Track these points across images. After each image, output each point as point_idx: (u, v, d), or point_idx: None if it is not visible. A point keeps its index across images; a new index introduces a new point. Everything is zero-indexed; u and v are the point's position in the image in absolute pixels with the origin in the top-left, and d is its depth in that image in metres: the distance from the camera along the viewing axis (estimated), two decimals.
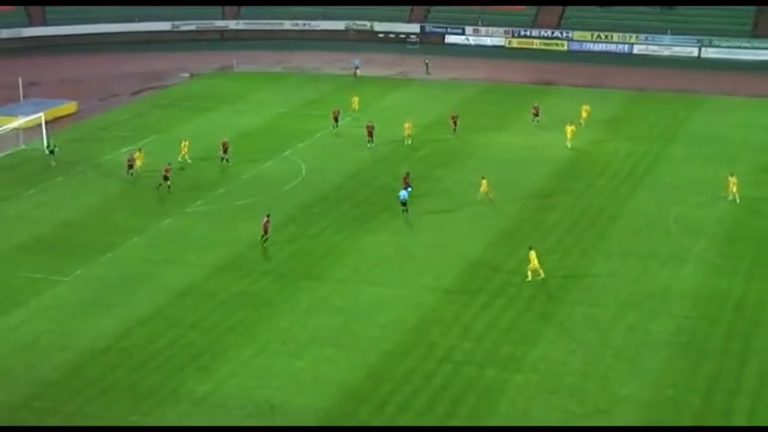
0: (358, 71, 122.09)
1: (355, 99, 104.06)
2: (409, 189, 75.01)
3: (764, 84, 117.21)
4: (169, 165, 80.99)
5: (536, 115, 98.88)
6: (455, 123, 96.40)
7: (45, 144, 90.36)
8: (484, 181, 76.59)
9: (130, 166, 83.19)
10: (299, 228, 72.48)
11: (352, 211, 75.95)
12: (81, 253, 68.75)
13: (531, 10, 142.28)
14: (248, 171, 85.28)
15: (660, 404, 49.82)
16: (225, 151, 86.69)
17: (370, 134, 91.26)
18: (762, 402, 49.89)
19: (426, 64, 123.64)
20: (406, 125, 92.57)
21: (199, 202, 78.06)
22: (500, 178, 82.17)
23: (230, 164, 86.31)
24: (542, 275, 62.77)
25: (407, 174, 78.49)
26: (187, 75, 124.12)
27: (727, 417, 48.73)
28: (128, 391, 51.50)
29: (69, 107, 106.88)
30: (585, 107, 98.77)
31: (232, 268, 66.23)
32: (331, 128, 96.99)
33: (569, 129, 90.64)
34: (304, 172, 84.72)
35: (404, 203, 73.70)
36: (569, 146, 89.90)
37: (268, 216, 69.08)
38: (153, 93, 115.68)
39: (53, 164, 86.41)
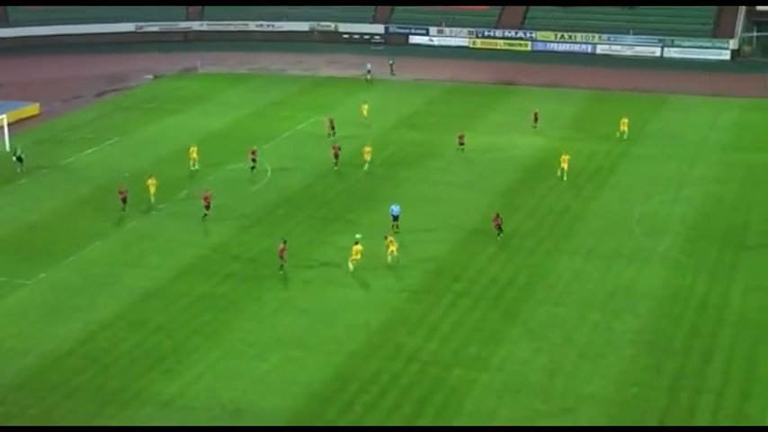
0: (369, 75, 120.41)
1: (365, 106, 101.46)
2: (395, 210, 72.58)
3: (726, 83, 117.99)
4: (208, 191, 75.48)
5: (535, 120, 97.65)
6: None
7: (9, 148, 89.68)
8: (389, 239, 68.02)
9: (124, 200, 75.58)
10: (264, 229, 72.38)
11: (318, 212, 75.91)
12: (44, 256, 68.35)
13: (495, 10, 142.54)
14: (213, 173, 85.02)
15: (625, 402, 50.09)
16: (254, 160, 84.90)
17: (336, 156, 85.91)
18: (726, 400, 50.25)
19: (391, 65, 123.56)
20: (366, 149, 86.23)
21: (163, 204, 77.74)
22: (465, 178, 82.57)
23: (255, 170, 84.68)
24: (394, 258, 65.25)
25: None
26: (151, 76, 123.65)
27: (691, 414, 49.06)
28: (93, 394, 51.27)
29: (32, 109, 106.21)
30: (624, 120, 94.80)
31: (197, 270, 66.05)
32: (327, 136, 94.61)
33: (565, 158, 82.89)
34: (269, 173, 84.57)
35: (395, 218, 72.33)
36: (565, 179, 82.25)
37: (284, 242, 65.71)
38: (116, 94, 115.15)
39: (20, 171, 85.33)
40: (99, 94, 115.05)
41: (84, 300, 61.93)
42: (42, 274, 65.58)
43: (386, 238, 66.74)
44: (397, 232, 70.28)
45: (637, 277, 64.20)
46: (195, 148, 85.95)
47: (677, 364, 53.55)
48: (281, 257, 64.85)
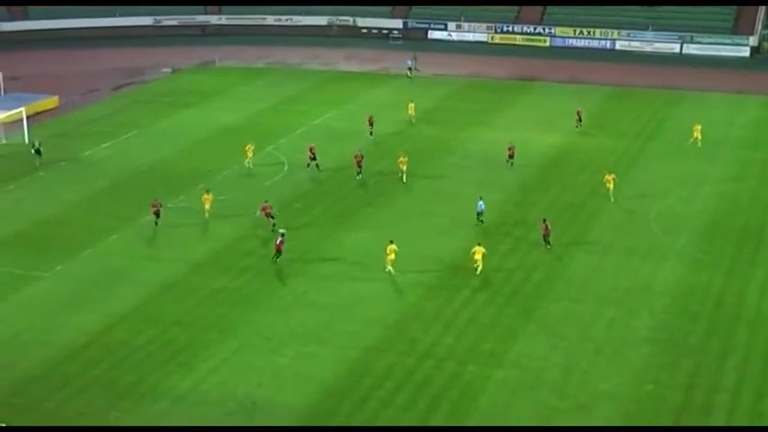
0: (410, 72, 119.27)
1: (411, 105, 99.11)
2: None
3: (745, 80, 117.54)
4: (266, 203, 71.99)
5: (579, 120, 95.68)
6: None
7: (27, 141, 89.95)
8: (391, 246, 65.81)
9: (156, 214, 71.82)
10: (280, 223, 72.25)
11: (335, 207, 75.89)
12: (62, 249, 68.53)
13: (514, 6, 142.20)
14: (229, 167, 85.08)
15: (640, 400, 49.98)
16: (313, 158, 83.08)
17: (359, 165, 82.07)
18: (742, 398, 50.11)
19: (414, 60, 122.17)
20: (402, 159, 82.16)
21: (180, 197, 77.86)
22: (482, 174, 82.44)
23: (320, 170, 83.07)
24: (479, 270, 63.50)
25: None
26: (168, 70, 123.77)
27: (707, 412, 48.92)
28: (108, 387, 51.39)
29: (50, 102, 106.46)
30: (697, 126, 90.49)
31: (213, 264, 66.13)
32: (368, 135, 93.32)
33: (610, 178, 77.07)
34: (286, 168, 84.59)
35: (479, 214, 72.40)
36: (612, 199, 76.32)
37: (282, 235, 65.83)
38: (134, 88, 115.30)
39: (38, 164, 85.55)
40: (116, 88, 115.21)
41: (100, 292, 62.08)
42: (59, 267, 65.76)
43: (478, 244, 64.80)
44: (481, 226, 71.41)
45: (653, 274, 64.03)
46: (251, 146, 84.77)
47: (693, 361, 53.41)
48: (278, 251, 65.13)
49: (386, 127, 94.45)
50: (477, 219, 72.12)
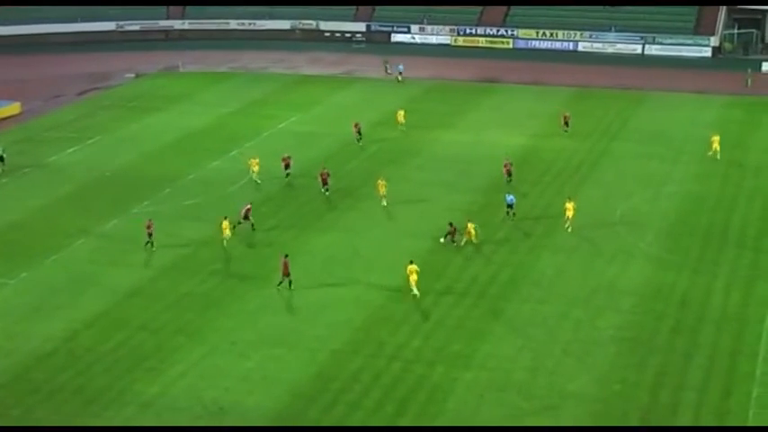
0: (401, 76, 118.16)
1: (401, 112, 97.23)
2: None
3: (707, 80, 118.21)
4: (249, 205, 72.58)
5: (566, 124, 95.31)
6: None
7: None
8: (381, 182, 76.18)
9: (150, 234, 69.19)
10: (246, 227, 72.24)
11: (300, 210, 75.87)
12: (26, 255, 68.21)
13: (477, 8, 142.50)
14: (195, 171, 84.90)
15: (608, 399, 50.26)
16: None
17: (325, 182, 79.17)
18: (708, 396, 50.46)
19: (385, 64, 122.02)
20: (381, 182, 77.49)
21: (145, 202, 77.63)
22: (447, 176, 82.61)
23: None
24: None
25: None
26: (132, 75, 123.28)
27: (674, 411, 49.26)
28: (76, 393, 51.25)
29: (13, 108, 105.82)
30: (716, 137, 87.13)
31: (179, 269, 66.01)
32: (356, 141, 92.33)
33: (570, 206, 71.80)
34: (251, 172, 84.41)
35: (510, 207, 73.00)
36: (569, 229, 71.41)
37: (286, 256, 62.72)
38: (98, 93, 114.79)
39: (2, 170, 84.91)
40: (80, 93, 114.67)
41: (66, 298, 61.85)
42: (24, 274, 65.46)
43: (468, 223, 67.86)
44: (512, 219, 72.58)
45: (619, 274, 64.37)
46: (256, 160, 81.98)
47: (660, 361, 53.76)
48: (286, 274, 61.96)
49: (350, 129, 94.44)
50: (507, 213, 72.71)
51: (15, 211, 76.70)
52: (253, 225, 71.60)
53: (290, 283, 62.15)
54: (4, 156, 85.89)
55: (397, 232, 71.38)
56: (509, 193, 74.10)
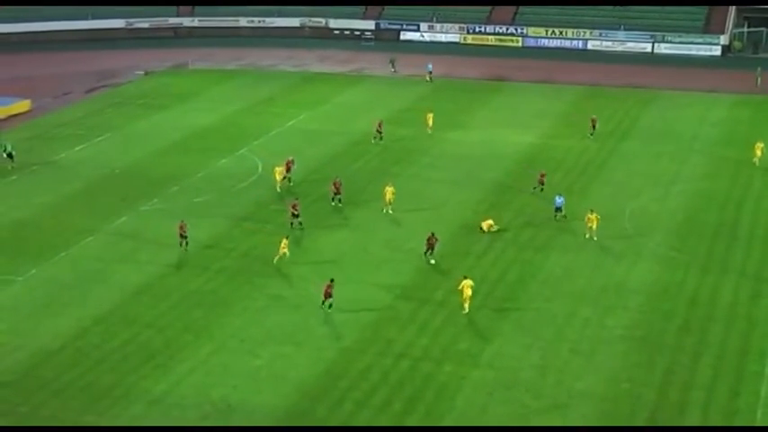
0: (429, 76, 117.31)
1: (430, 115, 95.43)
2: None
3: (716, 79, 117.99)
4: (296, 200, 73.11)
5: (593, 127, 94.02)
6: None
7: (1, 146, 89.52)
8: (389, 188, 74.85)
9: (182, 236, 68.04)
10: (255, 225, 72.29)
11: (310, 209, 75.71)
12: (35, 252, 68.25)
13: (486, 6, 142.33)
14: (203, 169, 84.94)
15: (616, 398, 50.18)
16: (337, 191, 76.29)
17: (338, 191, 76.35)
18: (716, 396, 50.37)
19: (392, 62, 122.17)
20: (388, 189, 75.22)
21: (154, 200, 77.68)
22: (455, 174, 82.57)
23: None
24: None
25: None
26: (141, 72, 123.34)
27: (682, 410, 49.16)
28: (83, 390, 51.24)
29: (22, 105, 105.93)
30: (759, 144, 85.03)
31: (187, 266, 66.02)
32: (372, 140, 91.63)
33: (592, 217, 69.73)
34: (260, 169, 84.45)
35: (559, 209, 72.75)
36: (594, 238, 69.79)
37: (332, 280, 59.66)
38: (107, 91, 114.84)
39: (11, 168, 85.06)
40: (89, 91, 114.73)
41: (75, 296, 61.87)
42: (33, 271, 65.48)
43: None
44: (562, 220, 72.34)
45: (628, 273, 64.27)
46: (280, 169, 79.93)
47: (668, 359, 53.66)
48: (329, 295, 59.19)
49: (364, 127, 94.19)
50: (556, 215, 72.49)
51: (24, 208, 76.74)
52: (301, 223, 71.31)
53: (330, 305, 59.31)
54: (14, 153, 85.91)
55: (406, 230, 71.28)
56: (559, 195, 73.54)
